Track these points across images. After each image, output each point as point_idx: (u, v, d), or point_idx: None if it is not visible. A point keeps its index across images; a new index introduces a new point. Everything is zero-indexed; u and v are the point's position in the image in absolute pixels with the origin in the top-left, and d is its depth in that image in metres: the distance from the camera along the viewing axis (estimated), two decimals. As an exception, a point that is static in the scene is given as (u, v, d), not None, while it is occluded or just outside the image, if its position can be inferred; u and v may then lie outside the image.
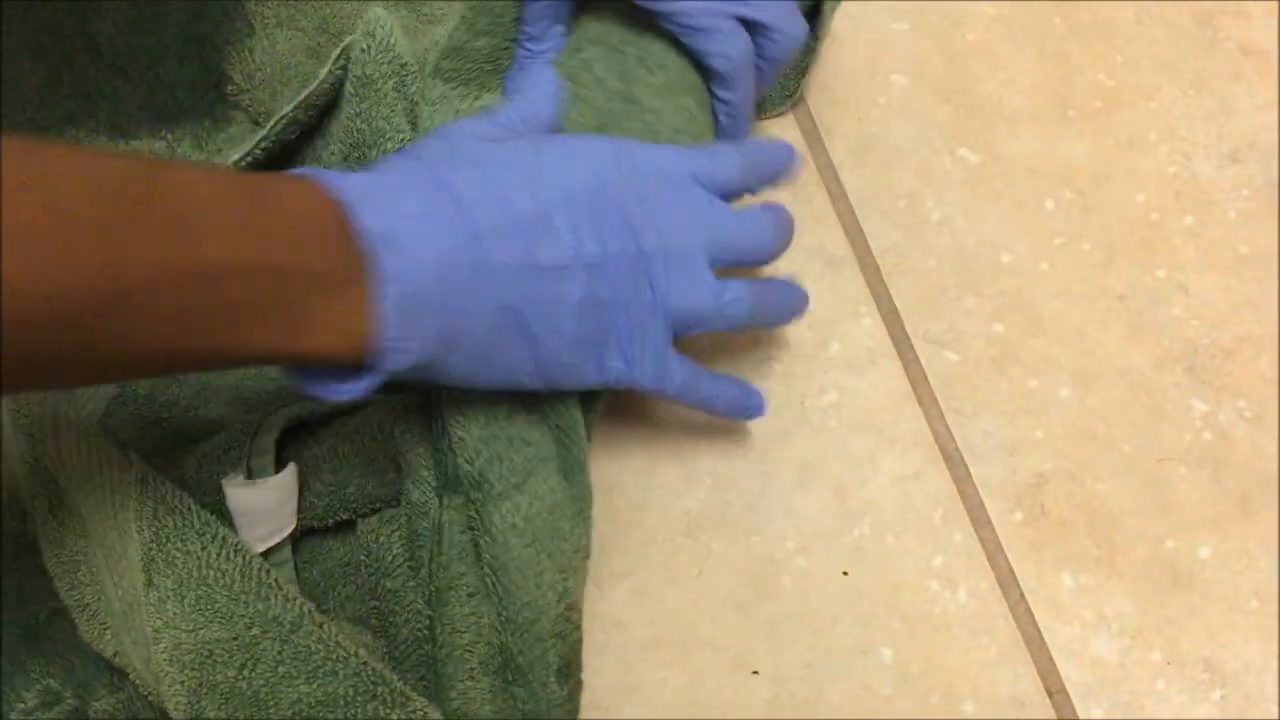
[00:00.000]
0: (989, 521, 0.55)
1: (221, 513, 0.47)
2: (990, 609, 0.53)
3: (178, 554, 0.43)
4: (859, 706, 0.51)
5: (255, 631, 0.42)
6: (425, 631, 0.47)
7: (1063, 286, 0.60)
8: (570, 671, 0.46)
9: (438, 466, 0.47)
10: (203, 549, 0.43)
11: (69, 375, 0.38)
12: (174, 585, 0.43)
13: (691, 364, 0.48)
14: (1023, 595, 0.54)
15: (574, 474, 0.47)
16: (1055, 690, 0.52)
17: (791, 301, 0.52)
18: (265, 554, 0.48)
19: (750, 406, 0.53)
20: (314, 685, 0.42)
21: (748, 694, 0.52)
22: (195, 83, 0.57)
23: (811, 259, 0.59)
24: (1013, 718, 0.52)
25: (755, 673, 0.52)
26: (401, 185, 0.42)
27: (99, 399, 0.50)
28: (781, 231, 0.50)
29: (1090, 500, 0.55)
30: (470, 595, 0.45)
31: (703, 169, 0.47)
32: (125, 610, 0.45)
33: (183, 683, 0.43)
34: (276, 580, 0.44)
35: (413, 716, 0.43)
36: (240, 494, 0.47)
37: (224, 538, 0.44)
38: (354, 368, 0.40)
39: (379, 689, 0.43)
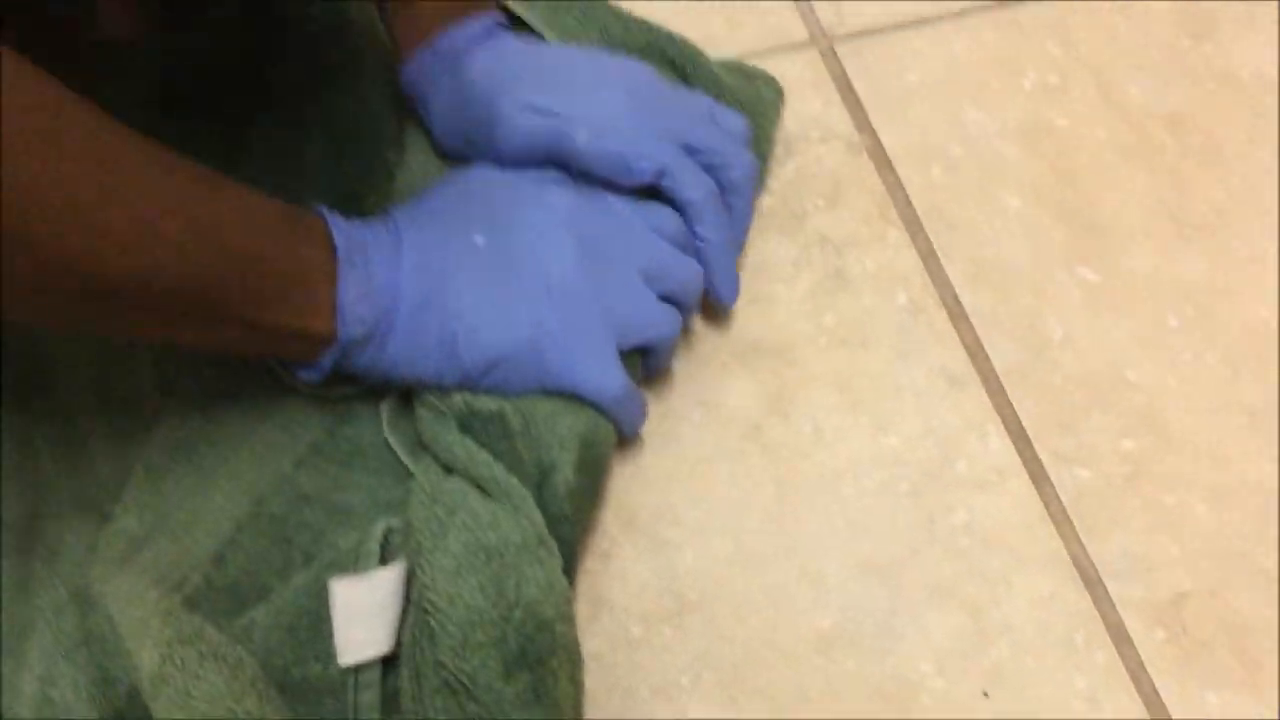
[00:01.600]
0: (1130, 640, 0.54)
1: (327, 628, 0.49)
2: (1136, 731, 0.52)
3: (174, 672, 0.45)
4: (1004, 833, 0.50)
5: None
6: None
7: (1191, 402, 0.59)
8: (524, 664, 0.47)
9: None
10: (198, 664, 0.46)
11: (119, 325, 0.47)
12: (165, 706, 0.45)
13: (629, 382, 0.53)
14: (1168, 716, 0.52)
15: (499, 490, 0.50)
16: (1209, 817, 0.51)
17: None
18: (355, 674, 0.49)
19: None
20: None
21: (889, 819, 0.51)
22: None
23: (934, 378, 0.60)
24: (1166, 846, 0.50)
25: (896, 797, 0.51)
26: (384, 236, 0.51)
27: (228, 517, 0.52)
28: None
29: (1232, 618, 0.54)
30: (430, 643, 0.47)
31: (660, 222, 0.56)
32: None
33: None
34: (256, 686, 0.46)
35: None
36: (343, 588, 0.48)
37: (223, 655, 0.46)
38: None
39: None
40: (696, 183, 0.56)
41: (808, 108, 0.68)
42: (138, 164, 0.43)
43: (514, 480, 0.50)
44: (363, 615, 0.48)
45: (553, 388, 0.52)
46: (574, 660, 0.49)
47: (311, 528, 0.53)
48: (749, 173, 0.58)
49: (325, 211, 0.50)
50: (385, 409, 0.55)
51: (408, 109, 0.62)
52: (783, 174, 0.65)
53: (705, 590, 0.55)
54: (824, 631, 0.54)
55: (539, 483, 0.51)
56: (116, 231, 0.41)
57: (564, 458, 0.52)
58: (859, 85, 0.68)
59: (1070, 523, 0.56)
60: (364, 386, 0.55)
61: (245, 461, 0.53)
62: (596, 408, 0.53)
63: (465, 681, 0.46)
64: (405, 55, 0.59)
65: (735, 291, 0.59)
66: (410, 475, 0.54)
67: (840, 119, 0.67)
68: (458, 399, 0.52)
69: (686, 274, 0.56)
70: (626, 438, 0.57)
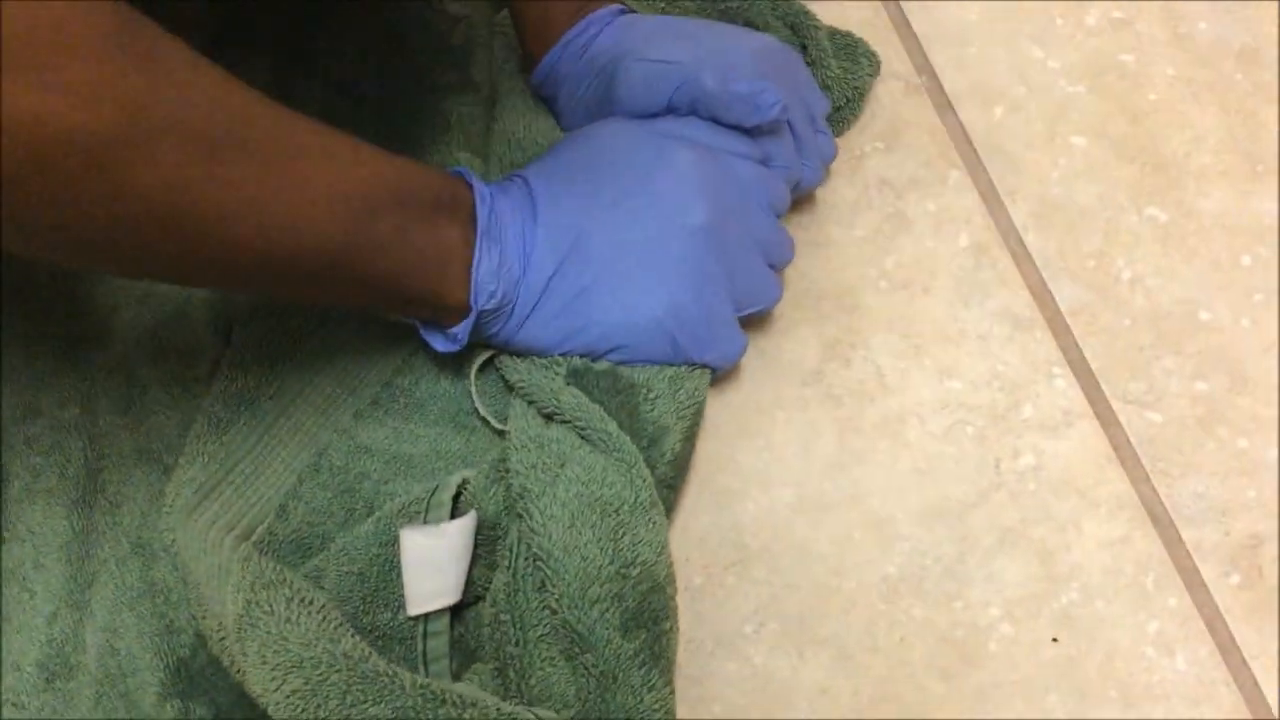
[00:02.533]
0: (1204, 585, 0.52)
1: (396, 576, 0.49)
2: (1211, 676, 0.51)
3: (262, 616, 0.45)
4: (1077, 780, 0.49)
5: (323, 669, 0.44)
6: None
7: (1266, 343, 0.58)
8: (640, 622, 0.47)
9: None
10: (286, 608, 0.45)
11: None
12: (258, 648, 0.45)
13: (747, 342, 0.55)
14: (1245, 661, 0.51)
15: (611, 444, 0.50)
16: (1288, 764, 0.49)
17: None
18: (424, 620, 0.49)
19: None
20: (382, 706, 0.44)
21: (958, 766, 0.50)
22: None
23: (998, 321, 0.59)
24: (1244, 793, 0.49)
25: (965, 744, 0.50)
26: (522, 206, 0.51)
27: (290, 469, 0.52)
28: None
29: (1311, 564, 0.53)
30: (536, 590, 0.48)
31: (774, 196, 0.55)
32: (240, 676, 0.47)
33: None
34: (347, 627, 0.46)
35: (485, 714, 0.44)
36: (415, 538, 0.48)
37: (310, 599, 0.46)
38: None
39: (446, 696, 0.44)
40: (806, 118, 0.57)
41: (865, 48, 0.66)
42: (273, 120, 0.42)
43: (626, 438, 0.50)
44: (433, 566, 0.48)
45: (680, 362, 0.52)
46: (676, 627, 0.49)
47: (372, 478, 0.53)
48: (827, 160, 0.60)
49: (471, 178, 0.50)
50: (475, 363, 0.54)
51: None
52: (840, 116, 0.63)
53: (768, 539, 0.54)
54: (890, 578, 0.53)
55: (648, 444, 0.51)
56: (247, 187, 0.40)
57: (679, 425, 0.52)
58: (917, 24, 0.67)
59: (1141, 466, 0.55)
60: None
61: (305, 414, 0.53)
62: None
63: (583, 632, 0.47)
64: (538, 56, 0.59)
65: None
66: (471, 427, 0.53)
67: (899, 59, 0.66)
68: (572, 358, 0.52)
69: (787, 246, 0.56)
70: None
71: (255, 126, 0.40)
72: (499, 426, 0.53)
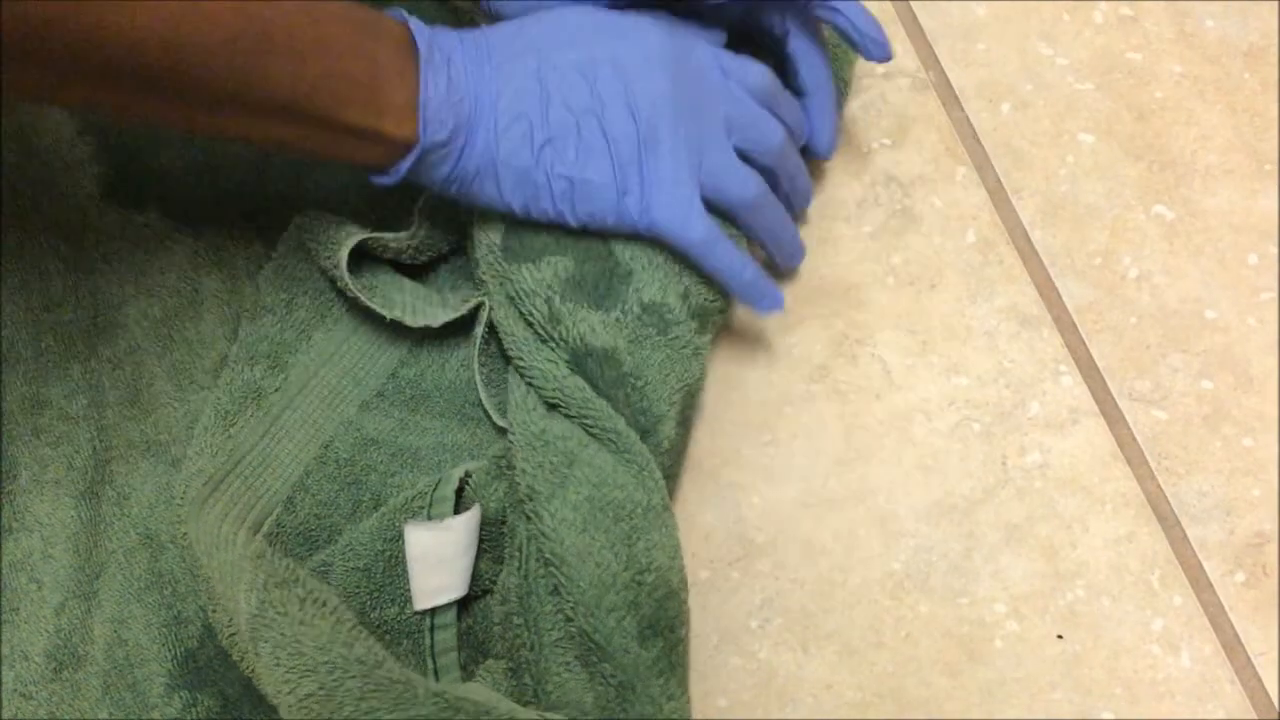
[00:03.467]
0: (1209, 584, 0.53)
1: (402, 570, 0.49)
2: (1216, 674, 0.51)
3: (276, 617, 0.45)
4: (1081, 776, 0.50)
5: (338, 674, 0.43)
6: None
7: (1272, 342, 0.58)
8: (656, 630, 0.46)
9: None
10: (300, 609, 0.45)
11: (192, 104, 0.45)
12: (271, 649, 0.44)
13: (717, 227, 0.51)
14: (1249, 659, 0.51)
15: (621, 444, 0.48)
16: (1292, 762, 0.50)
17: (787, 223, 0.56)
18: (431, 614, 0.49)
19: (767, 295, 0.53)
20: (397, 714, 0.43)
21: (962, 762, 0.50)
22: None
23: (1005, 318, 0.59)
24: (1247, 791, 0.49)
25: (969, 740, 0.50)
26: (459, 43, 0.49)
27: (297, 462, 0.52)
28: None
29: (1316, 562, 0.53)
30: (550, 594, 0.47)
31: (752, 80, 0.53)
32: (252, 672, 0.47)
33: None
34: (361, 631, 0.45)
35: None
36: (420, 535, 0.48)
37: (323, 600, 0.46)
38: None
39: (462, 705, 0.44)
40: (799, 31, 0.56)
41: (873, 44, 0.66)
42: None
43: (634, 436, 0.49)
44: (438, 561, 0.48)
45: (632, 224, 0.50)
46: (689, 633, 0.49)
47: (379, 471, 0.53)
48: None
49: (405, 15, 0.49)
50: (477, 342, 0.54)
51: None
52: (847, 111, 0.63)
53: (773, 533, 0.54)
54: (895, 574, 0.53)
55: (642, 435, 0.50)
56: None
57: (671, 412, 0.51)
58: (925, 19, 0.67)
59: (1147, 464, 0.55)
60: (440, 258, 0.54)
61: (311, 406, 0.53)
62: (689, 259, 0.52)
63: (600, 641, 0.46)
64: None
65: (833, 144, 0.58)
66: (476, 419, 0.53)
67: (907, 55, 0.66)
68: (573, 330, 0.50)
69: (768, 130, 0.53)
70: (764, 314, 0.56)
71: None
72: (500, 423, 0.52)
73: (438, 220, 0.55)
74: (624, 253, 0.52)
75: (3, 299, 0.55)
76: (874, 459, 0.56)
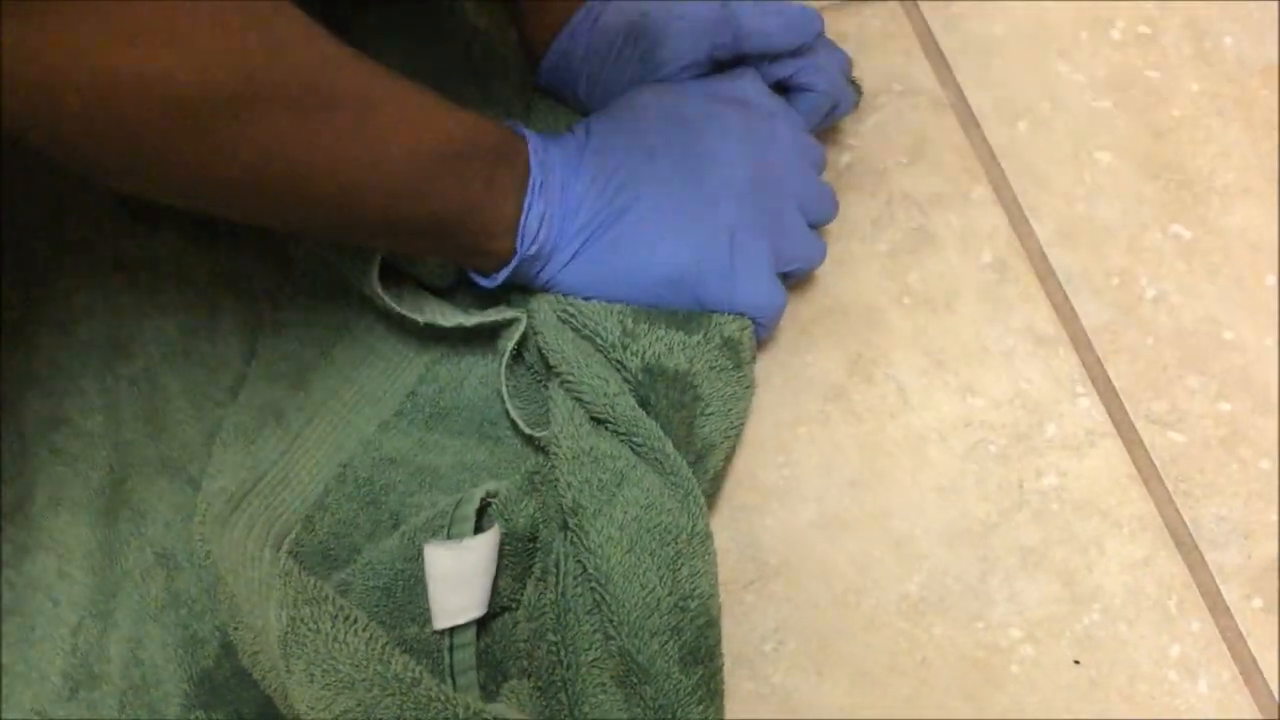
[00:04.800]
0: (1227, 608, 0.52)
1: (421, 590, 0.49)
2: (1234, 700, 0.51)
3: (309, 634, 0.45)
4: (1097, 802, 0.49)
5: (375, 692, 0.44)
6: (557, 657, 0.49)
7: (1290, 364, 0.57)
8: (697, 658, 0.47)
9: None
10: (332, 626, 0.45)
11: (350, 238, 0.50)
12: (305, 666, 0.45)
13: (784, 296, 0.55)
14: (1267, 685, 0.51)
15: (668, 466, 0.49)
16: (1310, 790, 0.49)
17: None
18: (450, 633, 0.49)
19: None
20: None
21: (978, 787, 0.50)
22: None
23: (1022, 339, 0.58)
24: (1265, 818, 0.49)
25: (985, 765, 0.50)
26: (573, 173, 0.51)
27: (316, 480, 0.52)
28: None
29: (1334, 587, 0.53)
30: (588, 613, 0.47)
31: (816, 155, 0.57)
32: (277, 690, 0.47)
33: None
34: (395, 648, 0.46)
35: None
36: (440, 555, 0.48)
37: (354, 618, 0.46)
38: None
39: None
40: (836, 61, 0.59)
41: (889, 61, 0.66)
42: (357, 74, 0.43)
43: (682, 461, 0.50)
44: (458, 581, 0.48)
45: (716, 306, 0.53)
46: (724, 663, 0.49)
47: (398, 490, 0.53)
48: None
49: (523, 130, 0.51)
50: (505, 356, 0.54)
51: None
52: (863, 130, 0.63)
53: (788, 556, 0.54)
54: (911, 597, 0.53)
55: (695, 460, 0.51)
56: (334, 145, 0.42)
57: (724, 444, 0.52)
58: (942, 38, 0.66)
59: (1164, 487, 0.55)
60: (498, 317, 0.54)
61: (330, 424, 0.53)
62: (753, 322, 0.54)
63: (643, 662, 0.46)
64: (544, 44, 0.58)
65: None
66: (495, 438, 0.53)
67: (923, 73, 0.65)
68: (648, 348, 0.51)
69: (830, 203, 0.57)
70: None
71: (343, 83, 0.42)
72: (530, 432, 0.52)
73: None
74: None
75: (18, 317, 0.55)
76: (890, 481, 0.55)
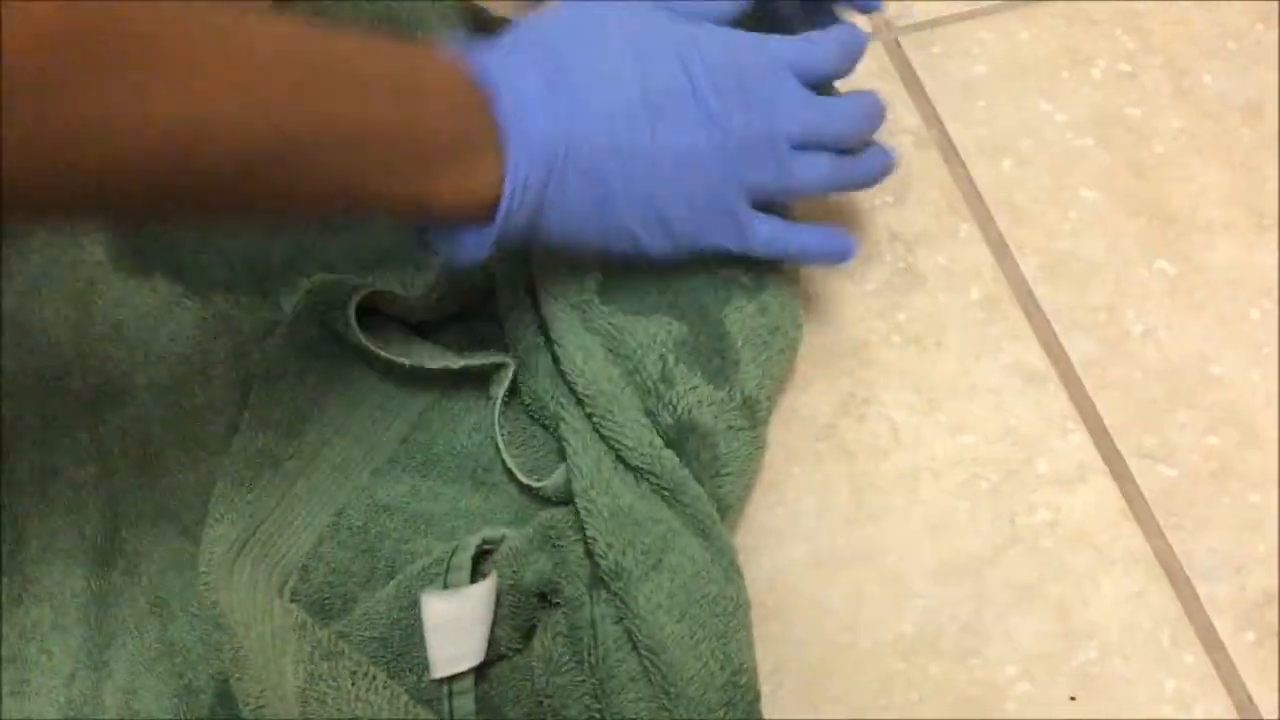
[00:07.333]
0: (1221, 643, 0.53)
1: (419, 639, 0.48)
2: (1230, 735, 0.51)
3: (329, 691, 0.45)
4: (1096, 840, 0.49)
5: None
6: None
7: (1274, 397, 0.58)
8: None
9: (588, 562, 0.49)
10: (353, 684, 0.45)
11: (229, 213, 0.44)
12: (336, 717, 0.45)
13: (779, 220, 0.51)
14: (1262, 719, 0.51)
15: (709, 530, 0.48)
16: (1307, 823, 0.49)
17: (876, 165, 0.54)
18: (449, 681, 0.48)
19: (838, 250, 0.54)
20: None
21: (977, 826, 0.50)
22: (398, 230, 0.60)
23: (1011, 375, 0.59)
24: None
25: (984, 803, 0.50)
26: (529, 67, 0.46)
27: (310, 529, 0.52)
28: (869, 116, 0.52)
29: (1325, 619, 0.53)
30: (632, 680, 0.46)
31: (800, 60, 0.50)
32: None
33: None
34: (415, 704, 0.46)
35: None
36: (436, 605, 0.48)
37: (373, 675, 0.46)
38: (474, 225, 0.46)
39: None
40: None
41: (874, 102, 0.66)
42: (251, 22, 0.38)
43: (723, 528, 0.49)
44: (456, 630, 0.48)
45: (696, 247, 0.50)
46: None
47: (392, 537, 0.53)
48: None
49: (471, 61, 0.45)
50: (498, 403, 0.53)
51: None
52: (850, 170, 0.64)
53: (782, 596, 0.54)
54: (905, 635, 0.53)
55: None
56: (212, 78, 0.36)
57: (738, 505, 0.52)
58: (925, 78, 0.67)
59: (1155, 521, 0.55)
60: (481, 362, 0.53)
61: (323, 472, 0.53)
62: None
63: None
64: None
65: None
66: (490, 485, 0.53)
67: (907, 112, 0.66)
68: (684, 399, 0.50)
69: (836, 119, 0.51)
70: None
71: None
72: (529, 482, 0.52)
73: (454, 280, 0.55)
74: (737, 336, 0.52)
75: (12, 367, 0.55)
76: (882, 519, 0.56)
